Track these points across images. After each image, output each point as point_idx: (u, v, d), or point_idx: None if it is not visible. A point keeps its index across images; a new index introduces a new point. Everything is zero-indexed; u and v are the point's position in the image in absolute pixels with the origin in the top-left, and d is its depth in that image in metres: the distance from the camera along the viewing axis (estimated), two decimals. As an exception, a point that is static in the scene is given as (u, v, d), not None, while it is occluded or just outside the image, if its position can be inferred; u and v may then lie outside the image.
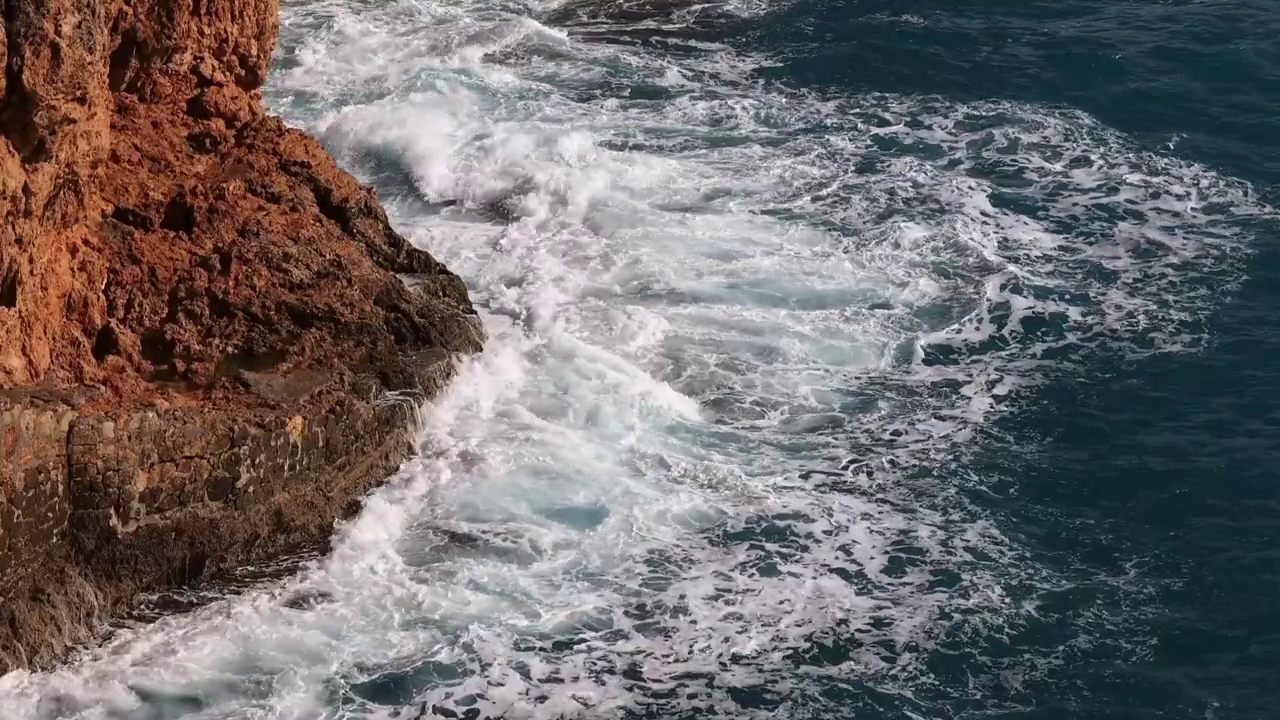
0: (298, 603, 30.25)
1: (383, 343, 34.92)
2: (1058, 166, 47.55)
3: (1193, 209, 45.07)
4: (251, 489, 31.40)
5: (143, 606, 29.97)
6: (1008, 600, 30.48)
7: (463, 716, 28.05)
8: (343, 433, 32.82)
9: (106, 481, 29.52)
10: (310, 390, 32.85)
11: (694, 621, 30.12)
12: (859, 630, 29.90)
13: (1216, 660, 29.63)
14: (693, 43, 57.17)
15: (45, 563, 29.05)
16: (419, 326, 35.70)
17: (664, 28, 58.84)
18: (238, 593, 30.36)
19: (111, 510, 29.67)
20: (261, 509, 31.53)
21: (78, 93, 29.53)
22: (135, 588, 30.02)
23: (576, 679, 28.76)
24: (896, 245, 42.71)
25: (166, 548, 30.37)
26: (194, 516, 30.69)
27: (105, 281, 33.13)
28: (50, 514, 28.99)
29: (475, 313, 37.93)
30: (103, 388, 30.95)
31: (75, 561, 29.47)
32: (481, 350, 36.70)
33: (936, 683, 28.72)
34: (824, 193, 45.70)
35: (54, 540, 29.20)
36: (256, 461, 31.39)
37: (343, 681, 28.41)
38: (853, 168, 47.03)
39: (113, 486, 29.60)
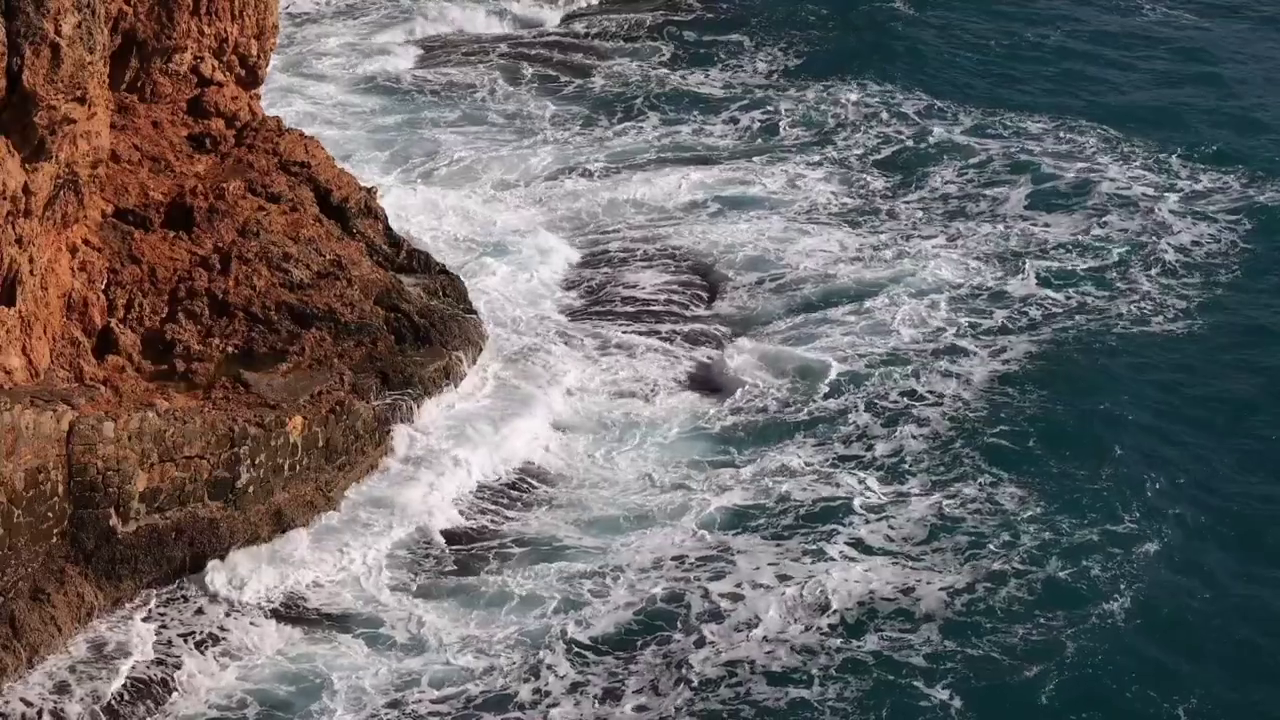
0: (323, 619, 29.91)
1: (383, 343, 34.92)
2: (1076, 163, 49.05)
3: (1199, 204, 46.59)
4: (251, 489, 31.37)
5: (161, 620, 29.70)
6: (1019, 566, 31.05)
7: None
8: (343, 433, 32.81)
9: (106, 481, 29.49)
10: (310, 390, 32.83)
11: (735, 610, 30.16)
12: (888, 605, 30.16)
13: (1212, 619, 30.16)
14: (706, 36, 57.71)
15: (45, 563, 29.02)
16: (419, 326, 35.69)
17: (671, 27, 59.30)
18: (261, 612, 30.00)
19: (111, 510, 29.63)
20: (261, 509, 31.49)
21: (78, 93, 29.51)
22: (135, 588, 29.97)
23: (621, 680, 28.56)
24: (920, 238, 43.99)
25: (166, 548, 30.32)
26: (194, 516, 30.65)
27: (105, 281, 33.12)
28: (50, 514, 28.96)
29: (475, 313, 37.95)
30: (103, 388, 30.92)
31: (75, 561, 29.43)
32: (482, 350, 36.81)
33: (964, 652, 29.07)
34: (849, 190, 46.66)
35: (54, 540, 29.16)
36: (256, 461, 31.37)
37: (390, 699, 27.98)
38: (876, 164, 47.96)
39: (113, 486, 29.57)
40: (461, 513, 32.80)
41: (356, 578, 30.76)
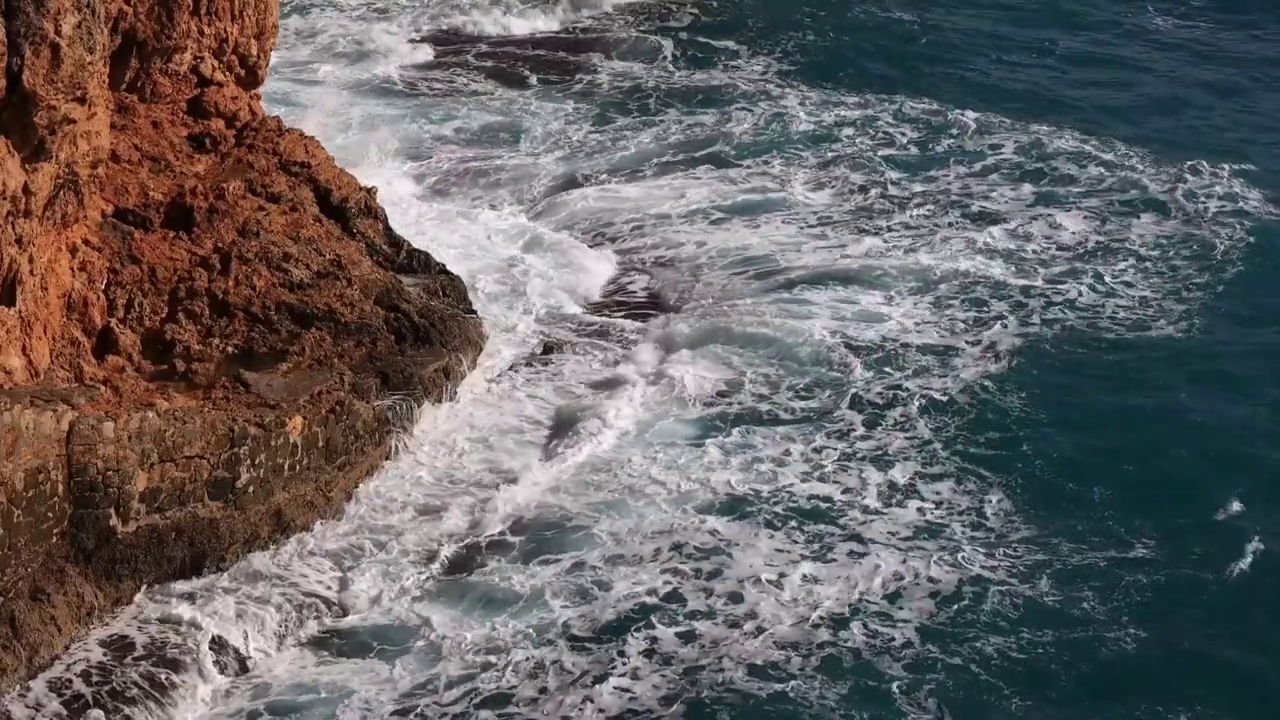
0: (333, 632, 29.79)
1: (383, 343, 34.93)
2: (1079, 165, 49.36)
3: (1201, 206, 46.69)
4: (251, 489, 31.37)
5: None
6: (1007, 574, 30.99)
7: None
8: (343, 433, 32.81)
9: (106, 481, 29.48)
10: (310, 390, 32.84)
11: (729, 605, 30.23)
12: (871, 605, 30.18)
13: (1198, 629, 29.96)
14: (706, 39, 57.82)
15: (45, 563, 29.00)
16: (419, 326, 35.71)
17: (671, 29, 59.38)
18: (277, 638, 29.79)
19: (111, 510, 29.62)
20: (261, 509, 31.48)
21: (78, 93, 29.52)
22: (135, 588, 29.97)
23: (619, 671, 28.68)
24: (923, 236, 44.20)
25: (166, 548, 30.31)
26: (194, 516, 30.64)
27: (105, 281, 33.13)
28: (50, 514, 28.95)
29: (475, 313, 37.97)
30: (103, 388, 30.92)
31: (75, 561, 29.41)
32: (481, 350, 36.85)
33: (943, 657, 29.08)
34: (852, 191, 47.01)
35: (54, 540, 29.15)
36: (256, 461, 31.36)
37: (400, 706, 27.88)
38: (879, 164, 48.27)
39: (113, 486, 29.55)
40: (468, 514, 32.76)
41: (366, 586, 30.69)
